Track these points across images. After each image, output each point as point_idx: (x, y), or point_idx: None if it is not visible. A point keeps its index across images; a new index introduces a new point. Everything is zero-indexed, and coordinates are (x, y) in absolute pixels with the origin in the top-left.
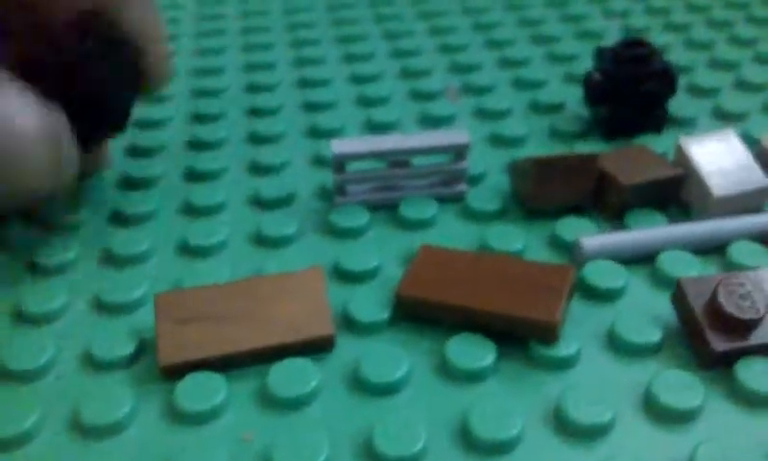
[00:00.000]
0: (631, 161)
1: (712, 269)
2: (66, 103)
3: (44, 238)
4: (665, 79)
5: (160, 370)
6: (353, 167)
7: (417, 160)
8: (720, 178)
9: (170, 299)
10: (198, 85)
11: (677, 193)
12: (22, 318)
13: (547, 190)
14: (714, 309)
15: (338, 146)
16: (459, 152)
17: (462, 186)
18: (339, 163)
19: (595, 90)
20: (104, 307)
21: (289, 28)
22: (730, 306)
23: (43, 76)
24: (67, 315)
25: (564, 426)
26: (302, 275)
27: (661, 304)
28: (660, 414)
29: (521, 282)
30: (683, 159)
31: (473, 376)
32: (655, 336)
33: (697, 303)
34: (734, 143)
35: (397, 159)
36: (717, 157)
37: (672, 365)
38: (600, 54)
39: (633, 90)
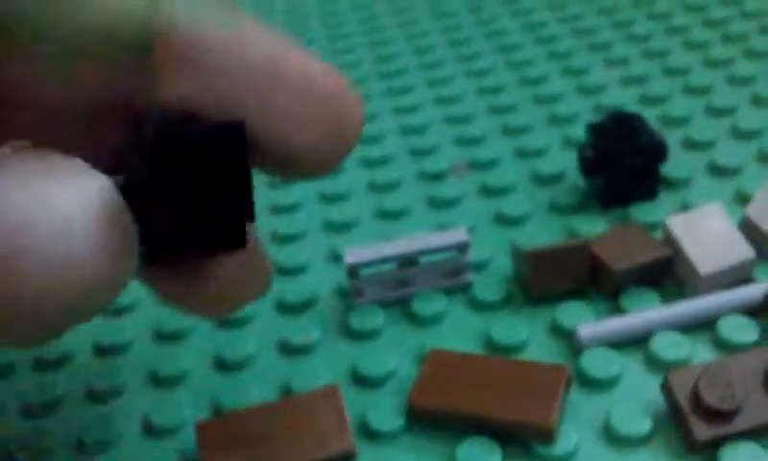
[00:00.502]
0: (621, 244)
1: (701, 347)
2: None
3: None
4: (655, 152)
5: None
6: (368, 270)
7: (424, 258)
8: (706, 255)
9: (210, 425)
10: None
11: (668, 270)
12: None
13: (545, 279)
14: (697, 400)
15: (351, 256)
16: (461, 247)
17: (468, 277)
18: (353, 270)
19: (588, 164)
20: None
21: None
22: (710, 397)
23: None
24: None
25: None
26: (322, 392)
27: (653, 390)
28: None
29: (520, 386)
30: (670, 239)
31: None
32: (645, 426)
33: (681, 393)
34: (720, 217)
35: (407, 261)
36: (703, 232)
37: (663, 452)
38: (591, 128)
39: (623, 165)
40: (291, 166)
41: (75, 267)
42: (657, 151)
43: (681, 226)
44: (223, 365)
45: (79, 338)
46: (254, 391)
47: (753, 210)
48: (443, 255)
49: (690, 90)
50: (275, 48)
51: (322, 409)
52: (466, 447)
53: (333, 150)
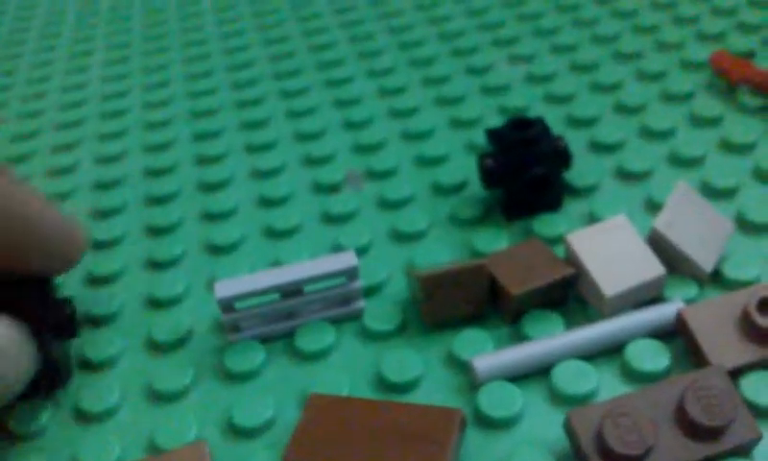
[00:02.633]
0: (520, 264)
1: (608, 377)
2: None
3: None
4: (557, 159)
5: None
6: (245, 303)
7: (309, 287)
8: (611, 274)
9: None
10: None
11: (571, 290)
12: None
13: (439, 305)
14: (601, 444)
15: (222, 289)
16: (350, 274)
17: (359, 304)
18: (227, 305)
19: (488, 175)
20: None
21: (192, 116)
22: (615, 443)
23: None
24: None
25: None
26: (188, 451)
27: (557, 426)
28: None
29: (408, 434)
30: (573, 258)
31: None
32: None
33: (585, 436)
34: (626, 229)
35: (290, 291)
36: (608, 249)
37: None
38: (491, 136)
39: (523, 174)
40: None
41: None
42: (560, 158)
43: (583, 242)
44: (81, 416)
45: None
46: (115, 446)
47: (661, 222)
48: (330, 283)
49: (598, 88)
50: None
51: None
52: None
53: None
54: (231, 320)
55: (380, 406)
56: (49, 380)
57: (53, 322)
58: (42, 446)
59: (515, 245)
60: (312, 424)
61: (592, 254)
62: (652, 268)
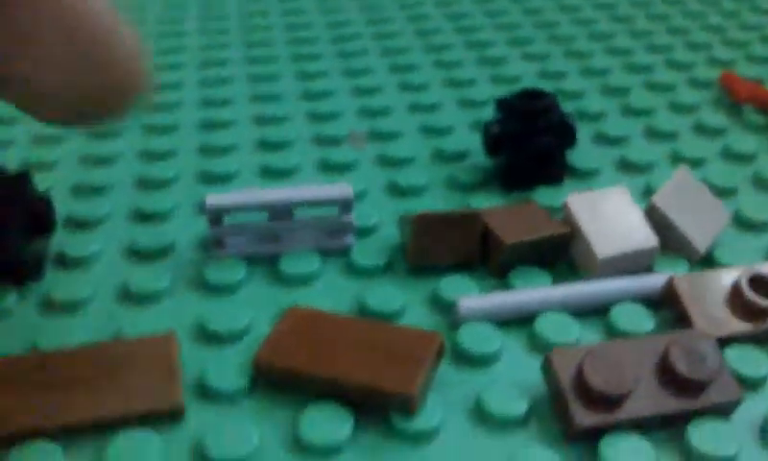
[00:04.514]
0: (517, 218)
1: (591, 333)
2: None
3: None
4: (563, 132)
5: None
6: (234, 219)
7: (301, 213)
8: (605, 238)
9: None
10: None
11: (563, 251)
12: None
13: (427, 247)
14: (580, 382)
15: (213, 199)
16: (344, 205)
17: (349, 239)
18: (215, 216)
19: (492, 141)
20: None
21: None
22: (595, 380)
23: None
24: None
25: None
26: (156, 340)
27: (535, 372)
28: None
29: (385, 350)
30: (569, 218)
31: (327, 451)
32: (521, 408)
33: (564, 375)
34: (625, 201)
35: (279, 212)
36: (605, 215)
37: (537, 439)
38: (500, 105)
39: (528, 143)
40: (36, 103)
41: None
42: (565, 133)
43: (582, 204)
44: (49, 305)
45: None
46: (79, 334)
47: (659, 198)
48: (322, 211)
49: (607, 90)
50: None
51: (150, 357)
52: (312, 413)
53: (91, 94)
54: (217, 233)
55: (361, 323)
56: (17, 273)
57: (28, 216)
58: (2, 328)
59: (516, 202)
60: (288, 332)
61: (589, 217)
62: (646, 238)
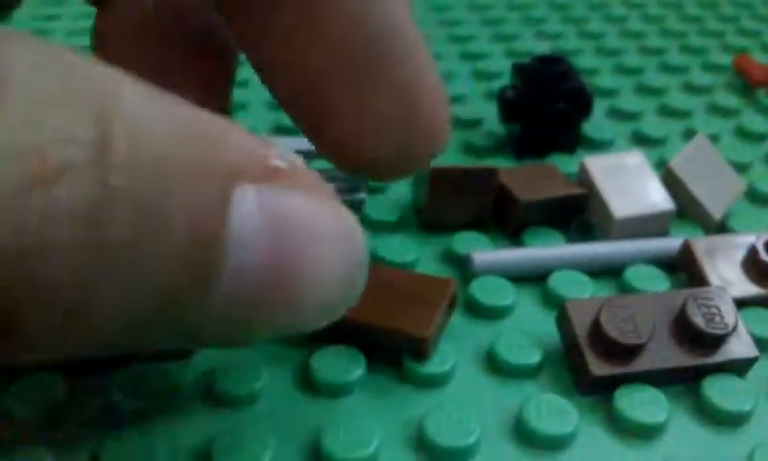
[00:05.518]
0: (533, 178)
1: (605, 291)
2: None
3: None
4: (579, 99)
5: None
6: None
7: (314, 166)
8: (623, 199)
9: None
10: None
11: (578, 213)
12: None
13: (443, 202)
14: (596, 332)
15: None
16: None
17: (361, 195)
18: None
19: (507, 106)
20: None
21: None
22: (611, 329)
23: None
24: None
25: (425, 448)
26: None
27: (547, 326)
28: (529, 439)
29: (399, 294)
30: (586, 179)
31: (338, 390)
32: (534, 357)
33: (579, 325)
34: (642, 165)
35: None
36: (622, 178)
37: (550, 389)
38: (516, 70)
39: (543, 108)
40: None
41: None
42: (581, 100)
43: (599, 166)
44: None
45: None
46: None
47: (676, 163)
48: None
49: (621, 69)
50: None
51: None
52: (322, 354)
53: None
54: None
55: (375, 268)
56: None
57: None
58: None
59: (527, 165)
60: None
61: (606, 178)
62: (663, 201)
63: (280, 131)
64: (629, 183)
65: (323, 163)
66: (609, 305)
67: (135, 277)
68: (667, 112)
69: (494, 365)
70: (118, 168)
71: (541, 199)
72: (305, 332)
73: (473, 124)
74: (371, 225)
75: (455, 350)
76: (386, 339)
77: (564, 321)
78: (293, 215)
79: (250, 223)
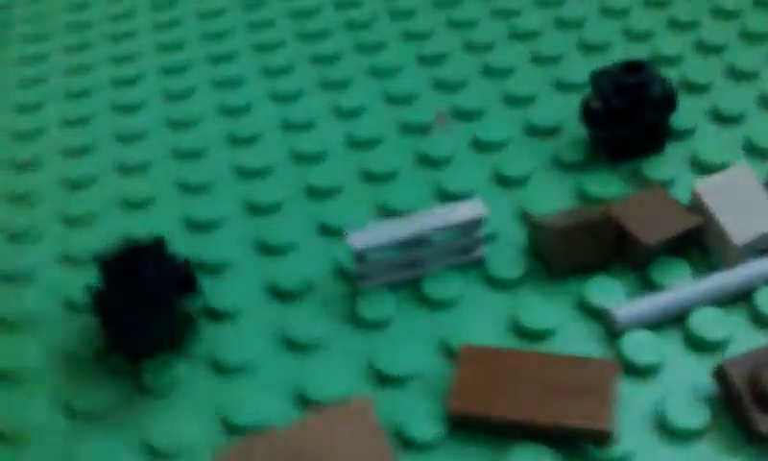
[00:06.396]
0: (648, 212)
1: (740, 323)
2: None
3: None
4: (665, 103)
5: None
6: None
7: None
8: (738, 223)
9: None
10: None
11: (697, 239)
12: None
13: (570, 256)
14: (756, 389)
15: (356, 240)
16: (477, 224)
17: (479, 252)
18: (360, 256)
19: (595, 118)
20: None
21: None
22: None
23: None
24: None
25: None
26: (352, 406)
27: (699, 372)
28: None
29: (566, 385)
30: (699, 206)
31: None
32: (703, 417)
33: (740, 384)
34: (748, 179)
35: (419, 241)
36: (733, 199)
37: (721, 444)
38: (597, 79)
39: (633, 118)
40: None
41: None
42: (669, 103)
43: (711, 192)
44: (221, 369)
45: None
46: (265, 401)
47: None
48: (455, 232)
49: (677, 25)
50: None
51: (353, 425)
52: (516, 454)
53: None
54: (363, 269)
55: (532, 357)
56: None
57: (174, 281)
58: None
59: (638, 193)
60: (469, 376)
61: (720, 204)
62: None
63: (384, 210)
64: (741, 203)
65: (443, 235)
66: (766, 361)
67: None
68: (736, 76)
69: (666, 430)
70: None
71: (665, 238)
72: None
73: (553, 131)
74: (498, 284)
75: (627, 421)
76: (568, 434)
77: (723, 379)
78: None
79: None
